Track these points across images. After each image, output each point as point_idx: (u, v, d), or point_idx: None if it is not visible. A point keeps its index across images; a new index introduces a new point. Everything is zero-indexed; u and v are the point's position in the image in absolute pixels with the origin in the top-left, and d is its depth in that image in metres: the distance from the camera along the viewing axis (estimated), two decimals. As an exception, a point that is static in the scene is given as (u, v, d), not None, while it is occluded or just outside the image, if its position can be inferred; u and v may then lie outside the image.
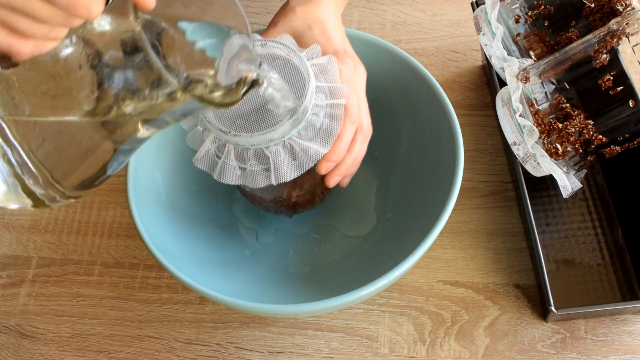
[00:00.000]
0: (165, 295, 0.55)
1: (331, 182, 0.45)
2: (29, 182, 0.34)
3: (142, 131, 0.35)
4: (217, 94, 0.35)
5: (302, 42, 0.45)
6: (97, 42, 0.32)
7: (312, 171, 0.44)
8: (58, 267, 0.58)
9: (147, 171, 0.50)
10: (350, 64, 0.45)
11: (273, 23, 0.47)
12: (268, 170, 0.41)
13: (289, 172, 0.41)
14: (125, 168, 0.48)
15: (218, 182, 0.43)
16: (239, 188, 0.52)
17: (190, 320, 0.54)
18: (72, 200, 0.37)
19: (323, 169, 0.43)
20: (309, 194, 0.49)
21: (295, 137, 0.41)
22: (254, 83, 0.35)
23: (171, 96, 0.32)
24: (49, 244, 0.59)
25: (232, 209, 0.57)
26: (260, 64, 0.36)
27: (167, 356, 0.52)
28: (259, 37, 0.44)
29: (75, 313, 0.55)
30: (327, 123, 0.42)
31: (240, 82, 0.35)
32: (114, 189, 0.62)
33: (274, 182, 0.41)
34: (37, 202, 0.35)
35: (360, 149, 0.45)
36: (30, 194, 0.34)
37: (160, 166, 0.52)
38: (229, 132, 0.40)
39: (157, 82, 0.31)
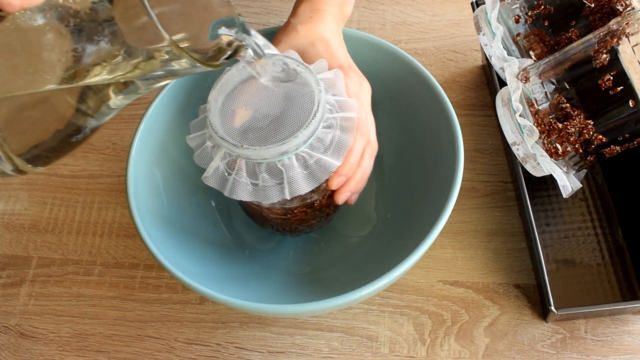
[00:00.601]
0: (165, 295, 0.55)
1: (340, 199, 0.44)
2: None
3: (114, 99, 0.34)
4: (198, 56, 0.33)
5: (305, 58, 0.46)
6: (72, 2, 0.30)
7: (318, 190, 0.44)
8: (58, 267, 0.58)
9: (147, 171, 0.50)
10: (356, 79, 0.45)
11: (276, 41, 0.47)
12: (281, 184, 0.40)
13: (303, 185, 0.40)
14: (126, 168, 0.48)
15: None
16: (243, 208, 0.51)
17: (190, 320, 0.54)
18: (23, 173, 0.34)
19: (334, 184, 0.43)
20: (315, 212, 0.48)
21: (308, 150, 0.40)
22: (238, 49, 0.34)
23: (152, 55, 0.30)
24: (49, 244, 0.59)
25: (233, 209, 0.57)
26: (245, 31, 0.35)
27: (167, 356, 0.52)
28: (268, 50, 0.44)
29: (75, 313, 0.55)
30: (339, 136, 0.41)
31: (220, 49, 0.34)
32: (114, 189, 0.62)
33: (287, 197, 0.40)
34: None
35: (368, 165, 0.45)
36: None
37: (160, 166, 0.52)
38: (242, 145, 0.39)
39: (142, 40, 0.29)
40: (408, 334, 0.51)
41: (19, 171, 0.34)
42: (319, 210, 0.48)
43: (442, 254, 0.55)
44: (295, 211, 0.46)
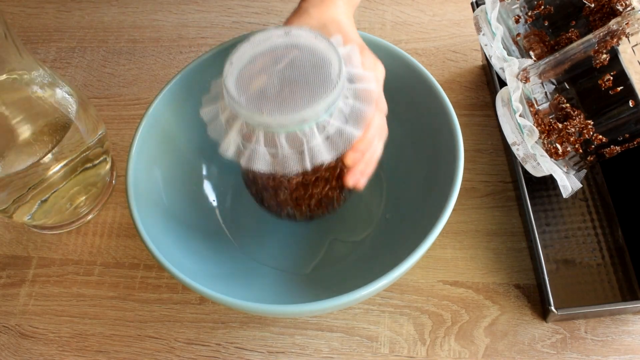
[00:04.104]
0: (165, 295, 0.55)
1: (351, 181, 0.43)
2: None
3: None
4: None
5: None
6: None
7: (329, 169, 0.43)
8: (58, 267, 0.58)
9: (147, 171, 0.50)
10: (371, 58, 0.45)
11: (288, 23, 0.47)
12: (302, 154, 0.39)
13: (324, 154, 0.39)
14: (125, 168, 0.48)
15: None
16: (251, 192, 0.51)
17: (190, 320, 0.54)
18: None
19: (351, 160, 0.42)
20: (326, 195, 0.48)
21: (329, 119, 0.39)
22: None
23: None
24: (49, 244, 0.59)
25: (233, 209, 0.57)
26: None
27: (167, 356, 0.52)
28: (279, 28, 0.43)
29: (75, 313, 0.55)
30: (358, 107, 0.40)
31: None
32: (114, 189, 0.62)
33: (308, 166, 0.39)
34: None
35: (378, 146, 0.44)
36: None
37: (160, 166, 0.52)
38: (262, 112, 0.38)
39: None
40: (408, 334, 0.51)
41: None
42: (331, 189, 0.47)
43: (442, 254, 0.55)
44: (313, 180, 0.45)
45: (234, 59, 0.41)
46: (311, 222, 0.56)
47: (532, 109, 0.49)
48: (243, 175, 0.51)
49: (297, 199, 0.47)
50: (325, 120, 0.39)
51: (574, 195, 0.56)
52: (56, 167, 0.51)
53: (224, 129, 0.41)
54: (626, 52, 0.46)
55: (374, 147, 0.43)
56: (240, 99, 0.39)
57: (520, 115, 0.48)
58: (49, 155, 0.50)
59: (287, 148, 0.39)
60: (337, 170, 0.45)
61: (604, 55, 0.46)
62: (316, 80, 0.39)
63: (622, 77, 0.46)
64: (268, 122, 0.38)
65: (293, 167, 0.40)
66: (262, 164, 0.40)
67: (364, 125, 0.40)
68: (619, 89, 0.46)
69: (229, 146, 0.41)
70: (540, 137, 0.48)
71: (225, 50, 0.51)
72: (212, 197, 0.56)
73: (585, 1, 0.52)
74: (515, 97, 0.48)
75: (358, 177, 0.43)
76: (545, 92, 0.49)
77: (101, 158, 0.57)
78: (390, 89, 0.54)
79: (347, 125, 0.40)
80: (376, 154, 0.44)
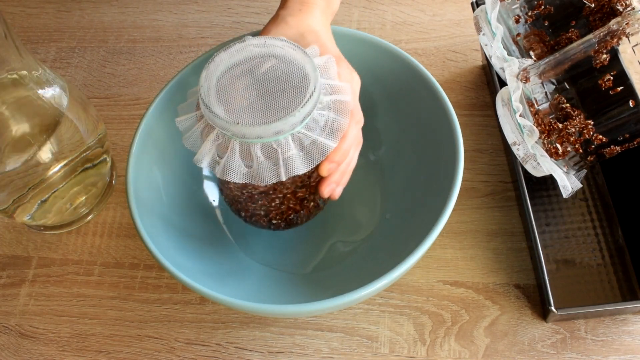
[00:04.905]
0: (165, 295, 0.55)
1: (325, 191, 0.44)
2: None
3: None
4: None
5: None
6: None
7: (305, 179, 0.44)
8: (58, 267, 0.58)
9: (147, 171, 0.50)
10: (347, 69, 0.45)
11: (265, 32, 0.47)
12: (276, 165, 0.40)
13: (299, 166, 0.40)
14: (126, 168, 0.48)
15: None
16: (229, 204, 0.51)
17: (190, 320, 0.54)
18: None
19: (325, 170, 0.42)
20: (300, 204, 0.48)
21: (304, 130, 0.40)
22: None
23: None
24: (49, 244, 0.59)
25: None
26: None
27: (167, 356, 0.52)
28: (256, 38, 0.44)
29: (75, 313, 0.55)
30: (333, 118, 0.41)
31: None
32: (114, 189, 0.62)
33: (283, 177, 0.40)
34: None
35: (354, 156, 0.45)
36: None
37: (160, 166, 0.52)
38: (237, 122, 0.38)
39: None
40: (408, 334, 0.51)
41: None
42: (306, 199, 0.47)
43: (442, 254, 0.55)
44: (285, 192, 0.46)
45: (210, 67, 0.42)
46: (311, 223, 0.56)
47: (532, 109, 0.49)
48: (219, 187, 0.50)
49: (271, 209, 0.48)
50: (300, 131, 0.40)
51: (574, 195, 0.56)
52: (56, 167, 0.51)
53: (199, 139, 0.42)
54: (626, 52, 0.46)
55: (350, 158, 0.44)
56: (216, 109, 0.40)
57: (520, 115, 0.48)
58: (49, 155, 0.50)
59: (263, 159, 0.40)
60: (306, 180, 0.45)
61: (604, 55, 0.46)
62: (292, 92, 0.40)
63: (622, 77, 0.46)
64: (244, 132, 0.39)
65: (268, 178, 0.40)
66: (236, 175, 0.40)
67: (340, 136, 0.41)
68: (619, 89, 0.46)
69: (204, 156, 0.41)
70: (540, 137, 0.48)
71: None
72: (212, 197, 0.56)
73: (585, 1, 0.52)
74: (515, 97, 0.48)
75: (333, 186, 0.44)
76: (545, 92, 0.49)
77: (101, 158, 0.57)
78: (390, 89, 0.54)
79: (322, 137, 0.40)
80: (352, 164, 0.45)
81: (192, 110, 0.43)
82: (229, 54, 0.43)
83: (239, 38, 0.44)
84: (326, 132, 0.41)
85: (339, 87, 0.42)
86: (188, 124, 0.43)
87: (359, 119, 0.44)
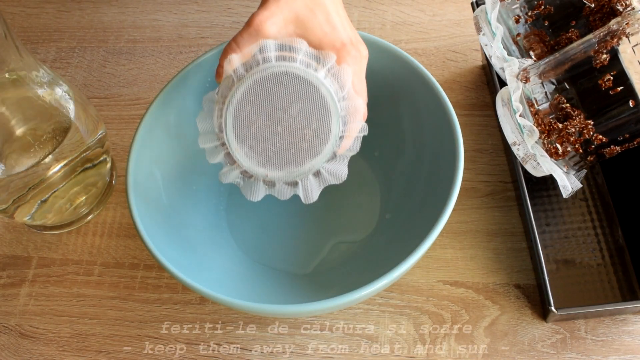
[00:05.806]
0: (165, 295, 0.55)
1: None
2: None
3: None
4: None
5: (307, 28, 0.43)
6: None
7: None
8: (58, 267, 0.58)
9: (147, 171, 0.50)
10: (357, 56, 0.44)
11: (264, 7, 0.43)
12: (295, 185, 0.43)
13: (315, 192, 0.43)
14: (126, 168, 0.48)
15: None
16: None
17: (190, 320, 0.54)
18: None
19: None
20: None
21: (325, 164, 0.42)
22: None
23: None
24: (49, 244, 0.59)
25: (233, 209, 0.57)
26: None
27: (167, 356, 0.52)
28: (272, 45, 0.41)
29: (75, 313, 0.55)
30: (346, 145, 0.43)
31: None
32: (114, 189, 0.62)
33: (304, 202, 0.43)
34: None
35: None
36: None
37: (160, 166, 0.52)
38: (265, 168, 0.41)
39: None
40: (408, 334, 0.51)
41: None
42: None
43: (442, 254, 0.55)
44: None
45: (228, 102, 0.41)
46: (312, 223, 0.56)
47: (532, 109, 0.49)
48: None
49: None
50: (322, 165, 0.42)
51: (574, 195, 0.56)
52: (56, 167, 0.51)
53: (223, 159, 0.43)
54: (626, 52, 0.46)
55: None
56: (241, 152, 0.41)
57: (520, 115, 0.48)
58: (49, 156, 0.50)
59: (283, 184, 0.43)
60: None
61: (604, 55, 0.46)
62: (314, 128, 0.41)
63: (622, 77, 0.46)
64: (270, 176, 0.41)
65: (288, 194, 0.43)
66: (258, 196, 0.43)
67: (348, 157, 0.43)
68: (619, 89, 0.46)
69: (227, 178, 0.43)
70: (540, 137, 0.48)
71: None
72: (212, 197, 0.56)
73: (585, 1, 0.52)
74: (515, 97, 0.48)
75: None
76: (545, 92, 0.49)
77: (101, 158, 0.57)
78: (391, 89, 0.54)
79: (333, 163, 0.42)
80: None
81: (211, 120, 0.42)
82: (248, 80, 0.40)
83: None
84: (337, 157, 0.43)
85: (354, 109, 0.43)
86: (210, 146, 0.43)
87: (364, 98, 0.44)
